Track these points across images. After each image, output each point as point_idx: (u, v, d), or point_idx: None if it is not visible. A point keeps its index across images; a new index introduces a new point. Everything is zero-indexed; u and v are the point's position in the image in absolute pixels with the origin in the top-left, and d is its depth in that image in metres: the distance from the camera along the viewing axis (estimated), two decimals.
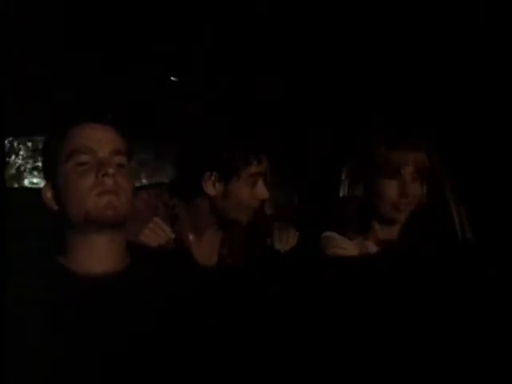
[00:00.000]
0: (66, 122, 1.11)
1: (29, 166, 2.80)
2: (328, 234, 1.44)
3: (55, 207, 1.11)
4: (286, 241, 1.47)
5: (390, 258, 1.33)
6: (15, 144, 2.77)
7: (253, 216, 1.49)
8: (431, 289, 1.08)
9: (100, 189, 1.05)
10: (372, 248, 1.40)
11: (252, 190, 1.43)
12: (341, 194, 1.48)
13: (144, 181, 2.48)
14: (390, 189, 1.36)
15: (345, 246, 1.40)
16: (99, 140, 1.08)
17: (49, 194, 1.11)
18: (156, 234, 1.35)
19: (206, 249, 1.52)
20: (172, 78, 1.35)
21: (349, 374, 1.09)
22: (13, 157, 2.73)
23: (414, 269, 1.13)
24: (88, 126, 1.10)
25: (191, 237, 1.51)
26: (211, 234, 1.53)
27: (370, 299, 1.15)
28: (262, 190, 1.45)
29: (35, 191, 1.28)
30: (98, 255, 1.08)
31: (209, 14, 1.88)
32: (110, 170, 1.05)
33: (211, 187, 1.44)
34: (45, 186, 1.13)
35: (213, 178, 1.43)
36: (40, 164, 1.25)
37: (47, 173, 1.13)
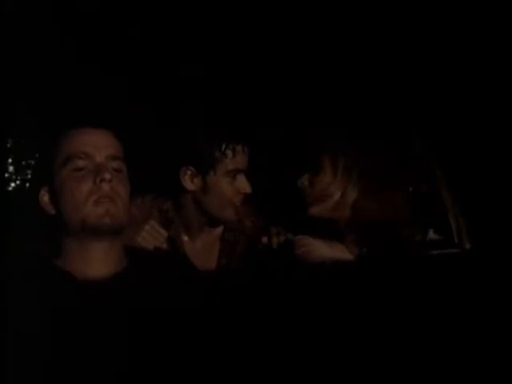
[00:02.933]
0: (63, 127, 1.12)
1: (27, 168, 2.81)
2: (300, 236, 1.44)
3: (52, 211, 1.11)
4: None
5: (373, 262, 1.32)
6: (15, 146, 2.77)
7: (241, 215, 1.50)
8: (424, 297, 1.08)
9: (97, 195, 1.05)
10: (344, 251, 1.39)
11: (232, 184, 1.42)
12: None
13: None
14: None
15: (316, 245, 1.39)
16: (96, 145, 1.08)
17: (46, 199, 1.11)
18: (152, 236, 1.35)
19: (200, 251, 1.52)
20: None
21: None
22: (12, 159, 2.74)
23: (408, 275, 1.13)
24: (84, 130, 1.10)
25: (185, 239, 1.51)
26: (205, 235, 1.53)
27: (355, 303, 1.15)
28: (242, 183, 1.43)
29: (33, 194, 1.28)
30: (94, 261, 1.08)
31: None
32: (107, 176, 1.05)
33: (189, 182, 1.44)
34: (42, 190, 1.13)
35: (189, 172, 1.43)
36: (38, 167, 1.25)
37: (44, 177, 1.13)
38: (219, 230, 1.54)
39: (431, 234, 1.37)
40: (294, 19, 2.03)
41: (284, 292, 1.26)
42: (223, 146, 1.39)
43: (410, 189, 1.47)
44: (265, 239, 1.51)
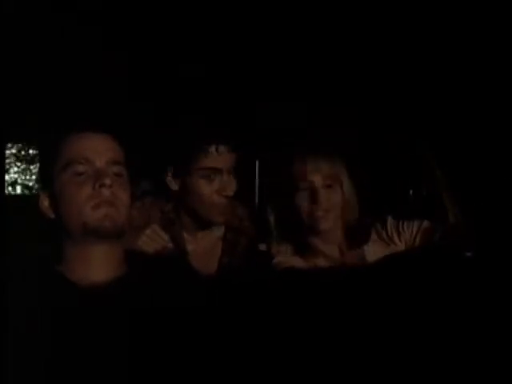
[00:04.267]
0: (63, 131, 1.11)
1: (27, 172, 2.81)
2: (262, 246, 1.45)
3: (52, 216, 1.11)
4: (284, 251, 1.46)
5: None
6: (14, 151, 2.78)
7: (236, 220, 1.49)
8: (423, 298, 1.08)
9: (97, 200, 1.05)
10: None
11: (210, 185, 1.40)
12: None
13: None
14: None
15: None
16: (96, 150, 1.08)
17: (46, 203, 1.11)
18: (153, 240, 1.34)
19: (202, 251, 1.51)
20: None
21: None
22: (12, 163, 2.73)
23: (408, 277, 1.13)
24: (84, 135, 1.09)
25: (187, 240, 1.51)
26: (207, 236, 1.52)
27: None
28: (222, 184, 1.41)
29: (34, 198, 1.28)
30: (95, 265, 1.08)
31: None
32: (107, 181, 1.05)
33: (172, 183, 1.44)
34: (42, 194, 1.13)
35: (169, 173, 1.43)
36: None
37: (44, 181, 1.13)
38: (221, 229, 1.54)
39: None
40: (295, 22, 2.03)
41: (285, 291, 1.26)
42: (195, 147, 1.38)
43: (410, 191, 1.48)
44: (263, 246, 1.50)
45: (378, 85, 2.06)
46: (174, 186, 1.44)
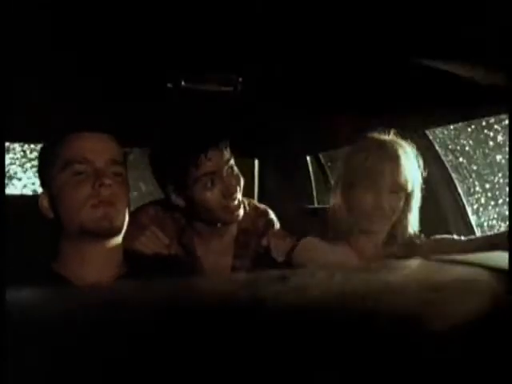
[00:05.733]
0: (62, 131, 1.11)
1: (26, 172, 2.81)
2: (308, 238, 1.42)
3: (51, 215, 1.11)
4: (282, 250, 1.45)
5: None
6: (14, 150, 2.78)
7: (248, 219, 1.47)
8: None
9: (96, 200, 1.04)
10: (352, 256, 1.37)
11: (213, 190, 1.37)
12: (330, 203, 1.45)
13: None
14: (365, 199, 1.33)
15: (323, 250, 1.38)
16: (95, 149, 1.08)
17: (45, 202, 1.11)
18: (151, 241, 1.33)
19: (215, 257, 1.49)
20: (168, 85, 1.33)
21: None
22: (11, 163, 2.73)
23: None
24: (84, 134, 1.09)
25: (198, 246, 1.49)
26: (218, 238, 1.50)
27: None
28: (223, 187, 1.37)
29: (33, 198, 1.28)
30: (93, 265, 1.08)
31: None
32: (107, 181, 1.05)
33: (176, 199, 1.41)
34: (41, 193, 1.13)
35: (170, 188, 1.40)
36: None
37: (43, 181, 1.13)
38: (233, 231, 1.52)
39: None
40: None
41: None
42: (183, 165, 1.35)
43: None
44: (264, 241, 1.49)
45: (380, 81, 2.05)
46: (181, 202, 1.41)
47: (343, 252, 1.36)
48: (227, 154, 1.38)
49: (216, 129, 1.41)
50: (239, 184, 1.41)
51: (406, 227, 1.36)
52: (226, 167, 1.38)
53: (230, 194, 1.38)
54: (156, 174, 1.43)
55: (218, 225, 1.46)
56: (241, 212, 1.42)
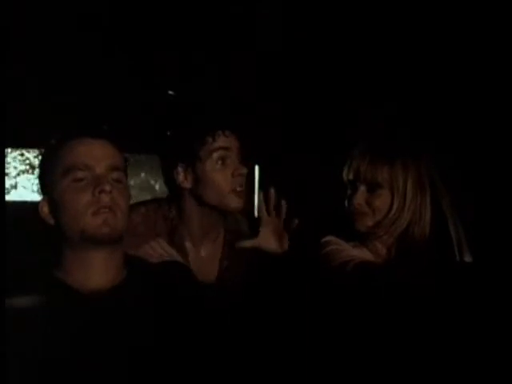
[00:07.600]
0: (63, 137, 1.11)
1: (27, 178, 2.81)
2: (328, 237, 1.42)
3: (51, 222, 1.11)
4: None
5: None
6: (14, 156, 2.78)
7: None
8: (426, 309, 1.07)
9: (96, 206, 1.05)
10: (368, 254, 1.37)
11: (223, 170, 1.41)
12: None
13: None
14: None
15: (344, 246, 1.37)
16: (96, 156, 1.08)
17: (45, 209, 1.11)
18: (156, 252, 1.33)
19: (205, 259, 1.51)
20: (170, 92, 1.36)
21: None
22: (12, 169, 2.74)
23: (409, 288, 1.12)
24: (84, 141, 1.09)
25: (189, 248, 1.50)
26: (209, 243, 1.52)
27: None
28: (233, 165, 1.42)
29: (33, 204, 1.28)
30: (94, 271, 1.08)
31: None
32: (107, 187, 1.05)
33: (184, 180, 1.44)
34: (42, 200, 1.13)
35: (180, 169, 1.43)
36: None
37: (44, 187, 1.13)
38: (223, 236, 1.54)
39: None
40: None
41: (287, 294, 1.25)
42: (201, 135, 1.40)
43: None
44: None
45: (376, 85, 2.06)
46: (187, 184, 1.44)
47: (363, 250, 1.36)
48: (239, 143, 1.44)
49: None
50: (245, 174, 1.45)
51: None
52: (238, 153, 1.43)
53: (239, 175, 1.42)
54: (168, 152, 1.45)
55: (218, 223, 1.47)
56: (242, 203, 1.45)
